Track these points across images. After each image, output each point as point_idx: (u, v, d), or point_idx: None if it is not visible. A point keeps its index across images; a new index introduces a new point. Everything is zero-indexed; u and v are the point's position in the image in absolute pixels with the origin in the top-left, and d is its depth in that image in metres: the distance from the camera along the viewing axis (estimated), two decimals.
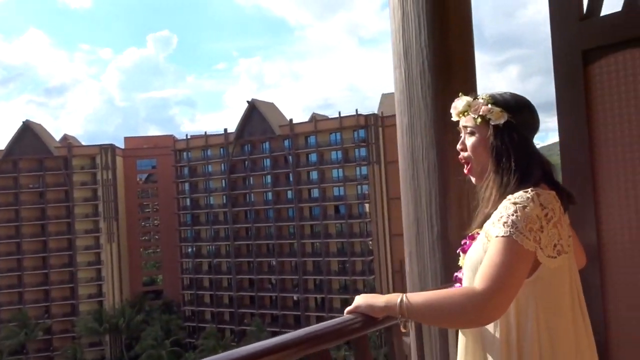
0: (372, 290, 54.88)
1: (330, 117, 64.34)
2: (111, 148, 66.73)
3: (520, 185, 1.42)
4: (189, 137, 68.61)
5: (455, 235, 2.49)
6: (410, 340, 1.70)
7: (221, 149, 65.12)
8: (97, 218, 64.59)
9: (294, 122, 62.32)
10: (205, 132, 67.83)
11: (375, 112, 60.14)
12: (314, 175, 60.09)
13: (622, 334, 2.13)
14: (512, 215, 1.34)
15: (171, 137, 73.44)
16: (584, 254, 1.71)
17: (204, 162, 65.87)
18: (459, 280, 1.59)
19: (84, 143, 71.70)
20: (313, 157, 60.32)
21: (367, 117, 58.17)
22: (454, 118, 1.65)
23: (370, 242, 56.27)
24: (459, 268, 1.64)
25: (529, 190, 1.39)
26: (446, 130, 2.52)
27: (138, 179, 71.46)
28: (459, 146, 1.62)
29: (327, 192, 59.44)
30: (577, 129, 2.20)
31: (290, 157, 60.51)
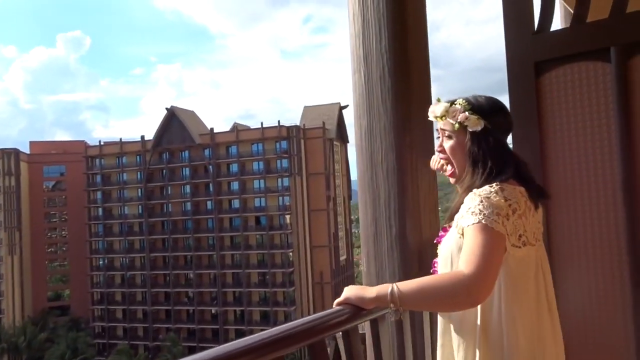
0: (292, 302, 54.80)
1: (252, 127, 63.92)
2: (15, 152, 61.68)
3: (486, 181, 1.50)
4: (102, 143, 65.14)
5: (413, 235, 2.57)
6: (404, 330, 1.72)
7: (137, 157, 62.44)
8: None
9: (215, 131, 61.24)
10: (121, 139, 64.77)
11: (298, 124, 60.57)
12: (235, 185, 59.26)
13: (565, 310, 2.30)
14: (479, 204, 1.42)
15: (82, 142, 69.30)
16: None
17: (119, 170, 62.77)
18: (435, 272, 1.66)
19: None
20: (234, 167, 59.50)
21: (289, 128, 58.41)
22: (431, 118, 1.71)
23: (291, 254, 56.26)
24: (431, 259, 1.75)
25: (494, 185, 1.47)
26: (405, 134, 2.61)
27: (44, 187, 66.48)
28: (437, 148, 1.70)
29: (248, 203, 58.80)
30: (529, 135, 2.35)
31: (210, 167, 59.28)
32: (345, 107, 68.35)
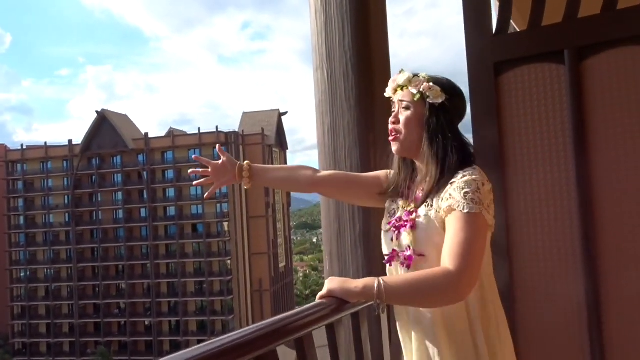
0: (230, 310, 53.83)
1: (189, 132, 62.47)
2: None
3: (461, 164, 1.48)
4: (24, 147, 61.28)
5: (376, 232, 2.57)
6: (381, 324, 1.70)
7: (64, 162, 59.26)
8: None
9: (150, 136, 59.31)
10: (46, 143, 61.26)
11: (236, 130, 59.89)
12: (171, 192, 57.58)
13: (524, 289, 2.39)
14: (477, 191, 1.40)
15: (2, 146, 64.86)
16: None
17: (43, 176, 59.27)
18: (409, 259, 1.53)
19: None
20: (170, 174, 57.82)
21: (227, 134, 57.61)
22: (388, 93, 1.68)
23: (229, 262, 55.33)
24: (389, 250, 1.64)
25: (475, 167, 1.47)
26: (368, 131, 2.63)
27: None
28: (391, 119, 1.63)
29: (184, 210, 57.28)
30: (489, 132, 2.43)
31: (144, 173, 57.29)
32: (285, 114, 68.44)
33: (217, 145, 2.06)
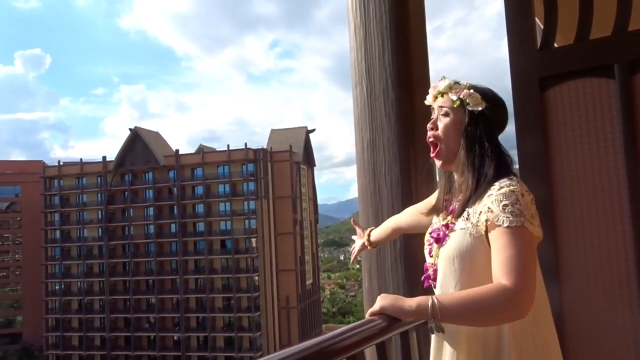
0: (257, 327, 53.76)
1: (218, 149, 63.39)
2: None
3: (499, 174, 1.44)
4: (61, 163, 63.17)
5: (418, 249, 2.53)
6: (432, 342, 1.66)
7: (98, 178, 60.78)
8: None
9: (180, 153, 60.41)
10: (81, 159, 63.02)
11: (264, 147, 60.46)
12: (200, 208, 58.28)
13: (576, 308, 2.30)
14: (516, 203, 1.35)
15: (40, 162, 67.01)
16: None
17: (78, 192, 60.88)
18: (434, 273, 1.56)
19: None
20: (199, 190, 58.63)
21: (256, 151, 58.18)
22: (429, 100, 1.66)
23: (257, 278, 55.42)
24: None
25: (513, 177, 1.42)
26: (409, 146, 2.60)
27: None
28: (429, 125, 1.61)
29: (213, 226, 57.84)
30: (535, 149, 2.37)
31: (175, 189, 58.22)
32: (312, 131, 68.82)
33: (352, 220, 2.41)
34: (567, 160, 2.32)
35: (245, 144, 58.44)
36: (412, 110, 2.60)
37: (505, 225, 1.33)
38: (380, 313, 1.40)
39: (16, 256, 63.58)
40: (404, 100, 2.60)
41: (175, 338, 55.73)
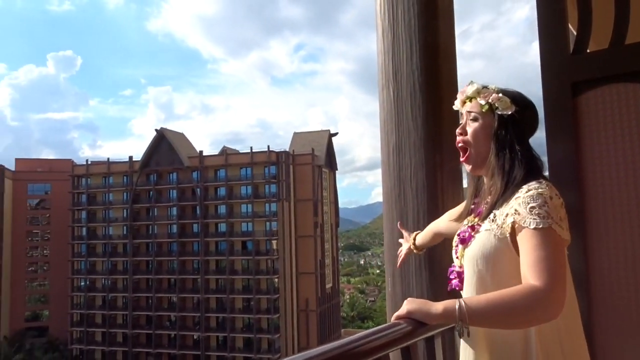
0: (276, 329, 53.89)
1: (241, 151, 63.92)
2: (0, 169, 60.83)
3: (527, 177, 1.42)
4: (89, 162, 64.53)
5: (442, 254, 2.50)
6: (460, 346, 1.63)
7: (124, 177, 61.89)
8: None
9: (204, 154, 61.10)
10: (108, 159, 64.26)
11: (287, 149, 60.71)
12: (222, 209, 58.81)
13: (606, 318, 2.24)
14: (544, 205, 1.33)
15: (69, 161, 68.57)
16: None
17: (105, 190, 62.07)
18: (459, 275, 1.56)
19: None
20: (222, 191, 59.16)
21: (278, 153, 58.46)
22: (457, 106, 1.66)
23: (277, 280, 55.59)
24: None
25: (542, 180, 1.40)
26: (435, 151, 2.57)
27: (28, 204, 65.40)
28: (458, 130, 1.61)
29: (234, 227, 58.29)
30: (565, 154, 2.32)
31: (198, 190, 58.88)
32: (335, 134, 68.83)
33: (399, 223, 2.42)
34: (599, 167, 2.27)
35: (268, 147, 58.80)
36: (440, 114, 2.57)
37: (532, 227, 1.32)
38: (407, 317, 1.38)
39: (44, 252, 65.08)
40: (431, 103, 2.58)
41: (195, 337, 56.25)
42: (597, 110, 2.27)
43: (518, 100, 1.52)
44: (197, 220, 58.49)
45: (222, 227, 58.45)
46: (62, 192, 63.22)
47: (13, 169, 65.48)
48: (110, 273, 59.62)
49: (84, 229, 61.70)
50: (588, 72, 2.30)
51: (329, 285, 62.72)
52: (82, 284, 60.62)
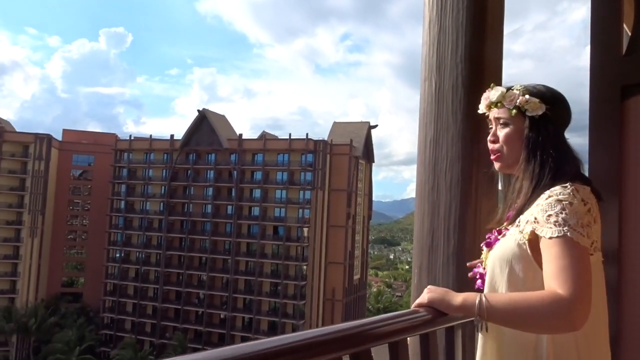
0: (301, 315, 54.44)
1: (280, 137, 64.32)
2: (47, 138, 63.21)
3: (555, 180, 1.39)
4: (132, 138, 66.32)
5: (470, 250, 2.49)
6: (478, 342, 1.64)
7: (165, 155, 63.36)
8: (21, 210, 60.60)
9: (243, 137, 61.81)
10: (150, 136, 65.86)
11: (325, 138, 60.73)
12: (257, 193, 59.51)
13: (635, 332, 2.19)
14: (561, 213, 1.30)
15: (113, 135, 70.68)
16: None
17: (145, 166, 63.74)
18: (481, 276, 1.56)
19: (17, 130, 67.46)
20: (258, 175, 59.83)
21: (316, 142, 58.56)
22: (482, 110, 1.63)
23: (305, 267, 56.02)
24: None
25: (567, 185, 1.35)
26: (472, 146, 2.54)
27: (72, 175, 67.91)
28: (490, 138, 1.58)
29: (268, 212, 58.93)
30: (607, 159, 2.26)
31: (235, 172, 59.73)
32: (375, 127, 68.42)
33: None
34: None
35: (307, 135, 58.99)
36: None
37: (548, 236, 1.30)
38: (428, 305, 1.39)
39: (84, 221, 67.53)
40: (472, 98, 2.54)
41: (222, 316, 57.43)
42: None
43: (547, 97, 1.48)
44: (231, 202, 59.42)
45: (256, 210, 59.19)
46: (105, 165, 65.28)
47: (60, 139, 67.99)
48: (144, 247, 61.37)
49: (123, 202, 63.61)
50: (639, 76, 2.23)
51: (356, 277, 62.79)
52: (117, 255, 62.67)
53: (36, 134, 62.82)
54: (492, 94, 1.57)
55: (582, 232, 1.29)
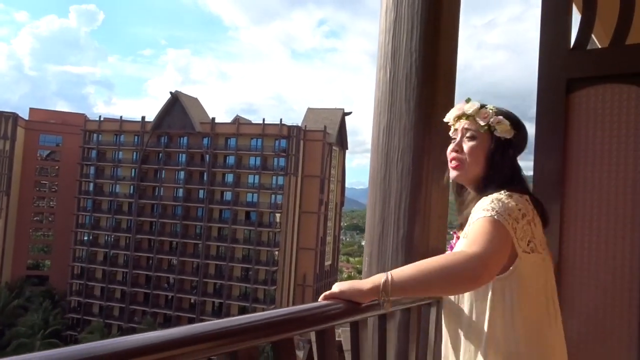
0: (271, 300, 54.62)
1: (253, 122, 63.82)
2: (13, 117, 61.19)
3: (497, 189, 1.48)
4: (102, 119, 64.80)
5: (419, 238, 2.52)
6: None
7: (135, 137, 62.18)
8: None
9: (216, 121, 61.10)
10: (121, 117, 64.54)
11: (299, 124, 60.53)
12: (229, 178, 59.09)
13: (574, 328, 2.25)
14: (491, 203, 1.39)
15: (82, 115, 68.90)
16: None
17: (115, 148, 62.48)
18: None
19: None
20: (231, 160, 59.36)
21: (290, 127, 58.35)
22: (449, 119, 1.66)
23: (277, 253, 56.12)
24: None
25: (502, 192, 1.44)
26: (424, 135, 2.56)
27: (39, 155, 66.04)
28: (454, 147, 1.61)
29: (240, 197, 58.62)
30: (552, 153, 2.30)
31: (207, 156, 59.10)
32: (349, 114, 68.45)
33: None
34: (584, 169, 2.25)
35: (281, 120, 58.71)
36: (434, 99, 2.55)
37: (475, 218, 1.39)
38: (338, 297, 1.33)
39: (51, 203, 65.95)
40: (426, 87, 2.55)
41: (192, 301, 57.18)
42: (588, 109, 2.25)
43: (514, 122, 1.56)
44: (203, 187, 58.87)
45: (228, 195, 58.81)
46: (73, 146, 63.70)
47: (27, 118, 65.93)
48: (113, 230, 60.40)
49: (91, 185, 62.34)
50: (585, 70, 2.27)
51: (328, 263, 63.22)
52: (86, 238, 61.51)
53: (1, 112, 60.76)
54: (467, 106, 1.60)
55: (508, 219, 1.35)
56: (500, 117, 1.53)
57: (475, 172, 1.55)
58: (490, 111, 1.55)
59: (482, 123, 1.53)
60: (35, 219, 64.94)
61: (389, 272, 1.31)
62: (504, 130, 1.52)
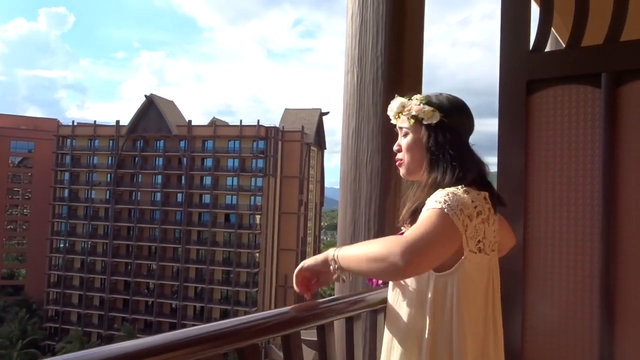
0: (253, 302, 54.37)
1: (230, 123, 63.44)
2: None
3: (452, 183, 1.42)
4: (75, 123, 63.63)
5: (391, 230, 2.56)
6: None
7: (110, 141, 61.22)
8: None
9: (193, 124, 60.55)
10: (95, 121, 63.45)
11: (277, 125, 60.40)
12: (208, 180, 58.64)
13: (536, 342, 2.31)
14: (445, 196, 1.34)
15: (54, 120, 67.52)
16: (513, 238, 1.79)
17: (90, 153, 61.41)
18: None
19: None
20: (209, 162, 58.91)
21: (268, 129, 58.20)
22: (393, 121, 1.66)
23: (258, 255, 55.89)
24: None
25: (459, 187, 1.39)
26: (393, 138, 2.59)
27: (10, 162, 64.47)
28: (395, 147, 1.63)
29: (219, 200, 58.21)
30: (515, 151, 2.37)
31: (184, 159, 58.53)
32: (326, 113, 68.55)
33: None
34: (545, 167, 2.32)
35: (258, 121, 58.48)
36: None
37: (427, 208, 1.35)
38: (300, 269, 1.52)
39: (24, 211, 64.50)
40: (393, 91, 2.56)
41: (173, 306, 56.56)
42: (547, 109, 2.32)
43: (445, 105, 1.51)
44: (181, 190, 58.29)
45: (207, 198, 58.35)
46: (46, 152, 62.40)
47: None
48: (90, 237, 59.35)
49: (66, 191, 61.15)
50: (543, 71, 2.34)
51: None
52: (62, 245, 60.33)
53: None
54: (393, 104, 1.61)
55: (459, 215, 1.31)
56: (421, 105, 1.51)
57: (417, 166, 1.53)
58: (415, 101, 1.54)
59: (409, 117, 1.54)
60: (9, 227, 63.41)
61: (339, 247, 1.45)
62: (429, 116, 1.49)
